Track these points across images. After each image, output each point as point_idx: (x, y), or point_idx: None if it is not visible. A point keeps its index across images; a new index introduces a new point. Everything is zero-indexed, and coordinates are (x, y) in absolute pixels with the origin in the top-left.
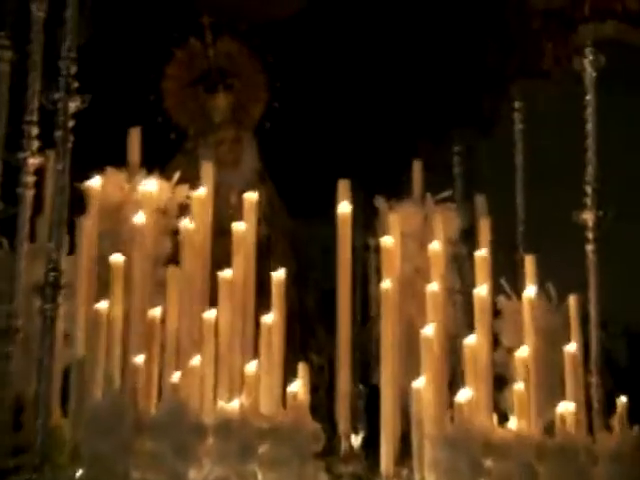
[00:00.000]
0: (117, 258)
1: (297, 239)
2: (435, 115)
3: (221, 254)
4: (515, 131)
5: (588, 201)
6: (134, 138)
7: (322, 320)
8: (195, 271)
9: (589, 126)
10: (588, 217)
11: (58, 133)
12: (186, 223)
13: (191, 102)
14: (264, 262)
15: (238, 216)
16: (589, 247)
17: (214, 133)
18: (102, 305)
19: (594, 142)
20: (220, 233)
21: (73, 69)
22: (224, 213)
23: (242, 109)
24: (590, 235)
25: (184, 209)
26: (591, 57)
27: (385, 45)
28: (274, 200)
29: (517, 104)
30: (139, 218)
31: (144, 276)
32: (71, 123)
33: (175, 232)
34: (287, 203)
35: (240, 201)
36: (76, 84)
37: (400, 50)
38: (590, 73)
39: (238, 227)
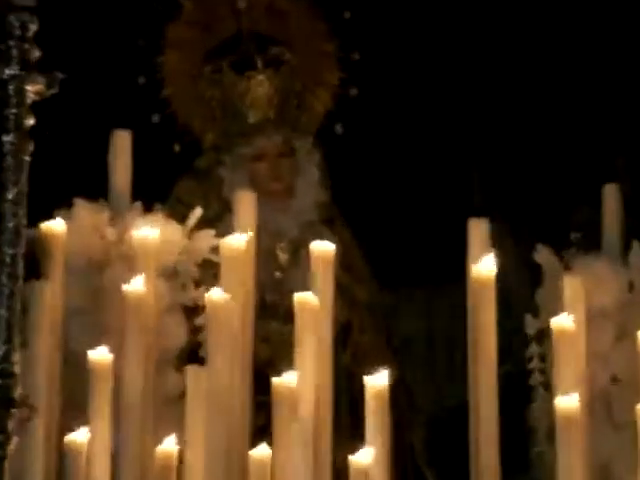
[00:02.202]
0: (100, 355)
1: (393, 326)
2: None
3: (267, 348)
4: None
5: None
6: (122, 147)
7: (435, 461)
8: (231, 374)
9: None
10: None
11: (8, 137)
12: (214, 294)
13: (209, 88)
14: (339, 364)
15: (292, 283)
16: None
17: (248, 142)
18: (78, 434)
19: None
20: (262, 313)
21: (32, 27)
22: (268, 279)
23: (297, 101)
24: None
25: (206, 271)
26: None
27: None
28: (353, 259)
29: None
30: (135, 286)
31: (145, 383)
32: (30, 121)
33: (193, 309)
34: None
35: (297, 257)
36: (37, 53)
37: None
38: None
39: (305, 300)
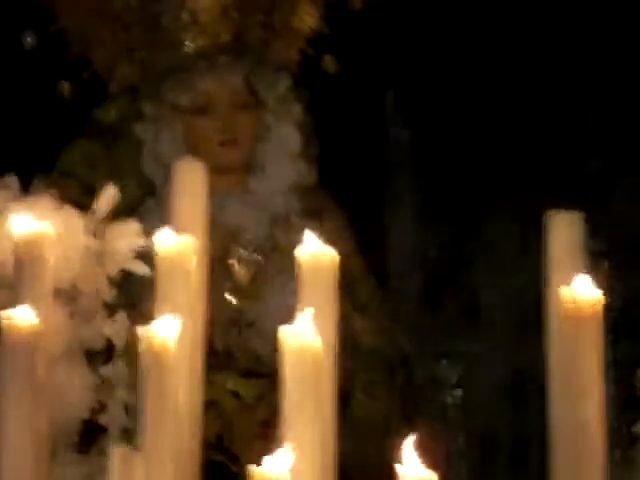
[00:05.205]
0: None
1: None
2: None
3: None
4: None
5: None
6: None
7: None
8: (179, 459)
9: None
10: None
11: None
12: (159, 326)
13: (118, 1)
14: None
15: (257, 314)
16: None
17: (185, 84)
18: None
19: None
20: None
21: None
22: (217, 308)
23: (265, 17)
24: None
25: (124, 291)
26: None
27: None
28: (354, 275)
29: None
30: (19, 314)
31: (35, 475)
32: None
33: (99, 354)
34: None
35: (265, 272)
36: None
37: None
38: None
39: (301, 342)
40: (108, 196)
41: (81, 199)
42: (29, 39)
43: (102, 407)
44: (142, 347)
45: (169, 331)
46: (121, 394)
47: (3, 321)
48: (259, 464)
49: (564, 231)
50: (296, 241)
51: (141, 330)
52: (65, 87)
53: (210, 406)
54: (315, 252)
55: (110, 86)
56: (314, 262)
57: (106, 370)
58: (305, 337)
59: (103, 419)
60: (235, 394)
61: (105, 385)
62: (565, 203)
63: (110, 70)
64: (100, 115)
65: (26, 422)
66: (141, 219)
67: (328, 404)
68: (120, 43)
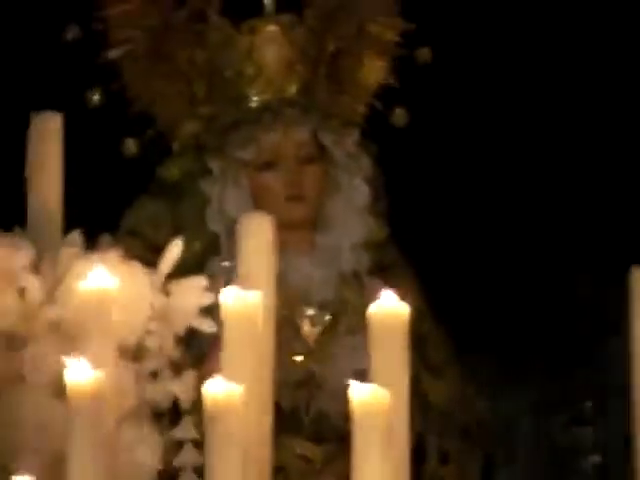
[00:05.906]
0: None
1: None
2: None
3: None
4: None
5: None
6: (49, 141)
7: None
8: None
9: None
10: None
11: None
12: (225, 386)
13: (184, 49)
14: None
15: (326, 374)
16: None
17: (250, 139)
18: None
19: None
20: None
21: None
22: (284, 368)
23: (331, 69)
24: None
25: (191, 349)
26: None
27: None
28: (425, 334)
29: None
30: (84, 373)
31: None
32: None
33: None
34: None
35: (334, 331)
36: None
37: None
38: None
39: (368, 397)
40: (174, 252)
41: (146, 257)
42: (94, 97)
43: (176, 472)
44: (207, 408)
45: (235, 391)
46: (192, 456)
47: (68, 378)
48: None
49: None
50: (366, 299)
51: (206, 390)
52: (130, 144)
53: (278, 471)
54: (387, 308)
55: (174, 143)
56: (385, 318)
57: (175, 431)
58: (372, 392)
59: None
60: (304, 458)
61: (174, 447)
62: None
63: (174, 126)
64: (163, 173)
65: None
66: (207, 276)
67: (400, 465)
68: (184, 99)
